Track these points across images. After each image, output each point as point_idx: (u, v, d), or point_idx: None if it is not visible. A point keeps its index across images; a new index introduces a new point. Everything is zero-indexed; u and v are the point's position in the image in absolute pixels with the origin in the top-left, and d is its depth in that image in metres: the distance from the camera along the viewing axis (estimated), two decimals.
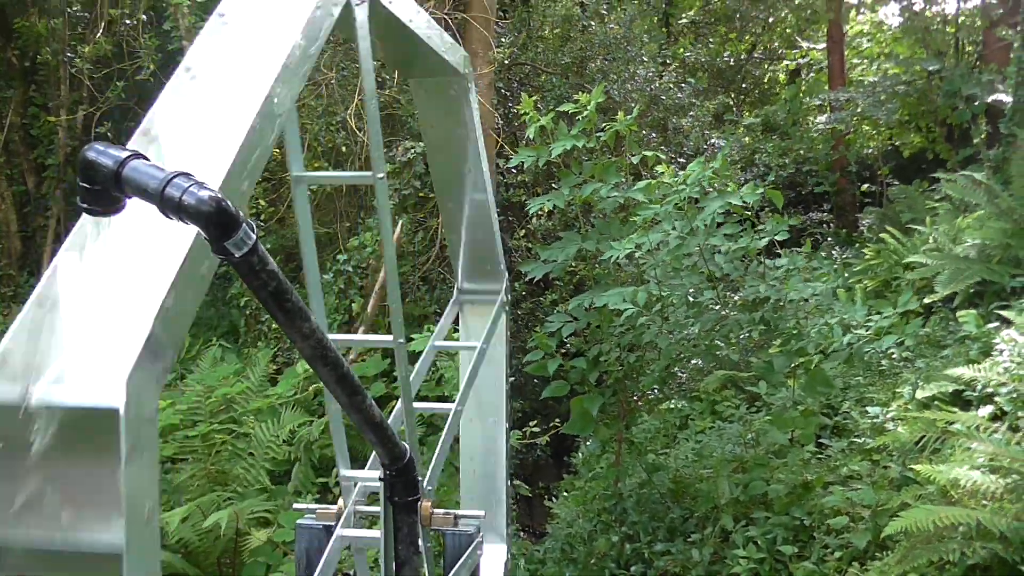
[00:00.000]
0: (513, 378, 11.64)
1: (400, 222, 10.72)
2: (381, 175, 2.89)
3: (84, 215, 1.85)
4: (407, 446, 3.10)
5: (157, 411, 1.69)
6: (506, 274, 4.83)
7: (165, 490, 7.23)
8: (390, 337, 3.16)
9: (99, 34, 12.45)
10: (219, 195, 1.59)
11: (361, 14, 2.74)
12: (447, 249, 5.20)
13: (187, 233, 1.78)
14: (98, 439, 1.54)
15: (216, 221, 1.58)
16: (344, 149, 11.88)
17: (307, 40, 2.37)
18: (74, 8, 14.07)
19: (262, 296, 1.81)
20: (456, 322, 4.99)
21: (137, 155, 1.63)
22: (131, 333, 1.63)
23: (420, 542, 3.38)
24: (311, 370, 9.72)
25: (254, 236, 1.66)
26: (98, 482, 1.54)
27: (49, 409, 1.56)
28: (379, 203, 2.99)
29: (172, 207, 1.56)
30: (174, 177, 1.57)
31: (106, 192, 1.62)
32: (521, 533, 11.59)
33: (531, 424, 10.76)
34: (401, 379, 3.34)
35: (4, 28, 14.35)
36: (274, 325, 10.73)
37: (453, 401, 4.51)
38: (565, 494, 10.33)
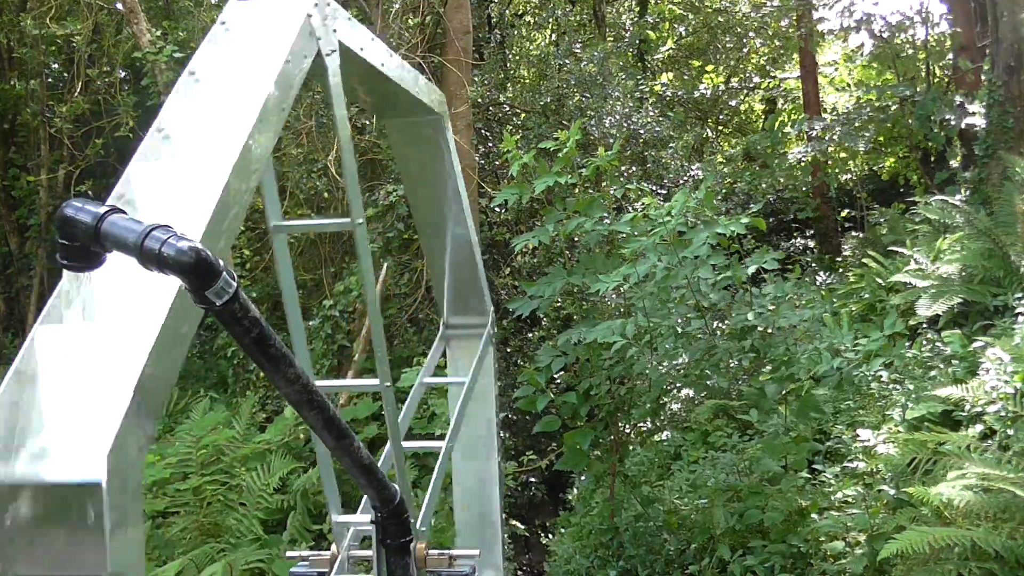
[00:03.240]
0: (505, 414, 11.65)
1: (385, 265, 10.74)
2: (360, 220, 2.92)
3: (63, 281, 1.86)
4: (398, 488, 3.09)
5: (140, 484, 1.68)
6: (491, 307, 4.84)
7: (157, 545, 7.15)
8: (376, 381, 3.17)
9: (76, 93, 12.51)
10: (198, 245, 1.61)
11: (333, 63, 2.77)
12: (432, 287, 5.27)
13: (167, 294, 1.79)
14: (82, 514, 1.52)
15: (196, 271, 1.59)
16: (326, 195, 11.93)
17: (280, 91, 2.38)
18: (53, 68, 14.17)
19: (245, 343, 1.81)
20: (444, 357, 5.00)
21: (115, 210, 1.65)
22: (112, 405, 1.61)
23: None
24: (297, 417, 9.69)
25: (235, 284, 1.67)
26: (83, 557, 1.52)
27: (31, 486, 1.54)
28: (359, 248, 3.00)
29: (152, 259, 1.57)
30: (153, 230, 1.59)
31: (85, 248, 1.64)
32: (519, 572, 11.48)
33: (525, 458, 10.71)
34: (389, 421, 3.35)
35: None
36: (262, 374, 10.68)
37: (444, 438, 4.52)
38: (562, 531, 10.24)
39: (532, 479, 12.56)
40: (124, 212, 1.65)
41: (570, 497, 11.56)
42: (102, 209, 1.62)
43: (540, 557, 11.51)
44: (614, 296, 9.79)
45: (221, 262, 1.67)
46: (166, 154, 2.22)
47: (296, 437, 9.34)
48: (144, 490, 7.94)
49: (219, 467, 8.24)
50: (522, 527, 11.79)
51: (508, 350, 13.46)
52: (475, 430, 4.93)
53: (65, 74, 14.17)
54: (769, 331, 7.13)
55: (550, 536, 11.16)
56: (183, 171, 2.14)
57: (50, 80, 14.58)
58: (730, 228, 6.73)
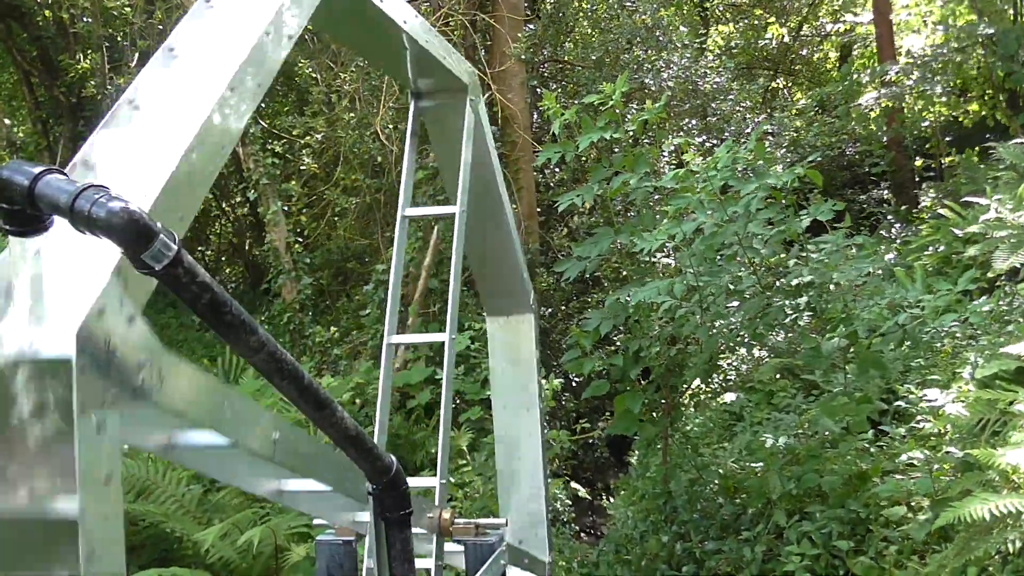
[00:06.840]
0: (562, 380, 11.49)
1: (436, 228, 10.63)
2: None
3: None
4: (393, 458, 2.98)
5: (117, 369, 1.58)
6: (531, 290, 4.77)
7: (207, 509, 7.25)
8: (442, 336, 3.52)
9: (134, 65, 12.67)
10: (131, 205, 1.50)
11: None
12: (472, 273, 5.33)
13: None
14: (50, 396, 1.45)
15: (128, 233, 1.48)
16: (380, 160, 11.86)
17: (275, 30, 2.32)
18: (119, 41, 14.37)
19: (198, 310, 1.71)
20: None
21: (52, 170, 1.55)
22: (86, 286, 1.55)
23: (436, 554, 3.32)
24: (351, 381, 9.71)
25: (175, 247, 1.56)
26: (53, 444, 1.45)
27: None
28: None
29: (83, 220, 1.47)
30: (84, 189, 1.49)
31: (24, 211, 1.54)
32: (583, 535, 11.41)
33: (578, 426, 10.58)
34: (447, 375, 3.54)
35: (50, 66, 14.77)
36: (318, 339, 10.75)
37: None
38: (622, 493, 10.13)
39: (596, 440, 12.42)
40: (64, 173, 1.54)
41: (632, 460, 11.40)
42: (37, 169, 1.50)
43: (603, 519, 11.41)
44: (673, 252, 9.49)
45: (159, 224, 1.55)
46: (174, 68, 2.18)
47: (350, 402, 9.37)
48: None
49: None
50: (584, 490, 11.70)
51: (568, 311, 13.27)
52: (517, 406, 4.82)
53: (130, 44, 14.37)
54: (826, 286, 6.76)
55: (611, 499, 11.03)
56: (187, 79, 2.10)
57: (116, 53, 14.86)
58: (781, 179, 6.38)
